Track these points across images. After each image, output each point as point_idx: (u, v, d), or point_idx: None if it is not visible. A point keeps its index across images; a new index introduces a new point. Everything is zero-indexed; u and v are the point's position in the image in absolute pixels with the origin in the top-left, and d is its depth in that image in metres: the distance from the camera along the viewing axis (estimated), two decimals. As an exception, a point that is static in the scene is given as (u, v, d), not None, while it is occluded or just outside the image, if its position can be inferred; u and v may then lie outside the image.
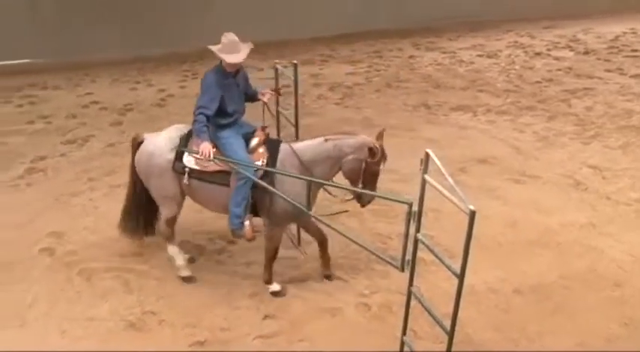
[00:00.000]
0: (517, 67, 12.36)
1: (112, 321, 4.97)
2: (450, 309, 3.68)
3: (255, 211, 5.20)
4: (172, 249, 5.50)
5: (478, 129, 9.09)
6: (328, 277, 5.55)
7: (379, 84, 11.43)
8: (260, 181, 4.94)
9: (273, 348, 4.72)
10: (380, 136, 5.11)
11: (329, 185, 5.06)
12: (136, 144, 5.33)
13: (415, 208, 3.85)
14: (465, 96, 10.61)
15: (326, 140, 5.07)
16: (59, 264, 5.70)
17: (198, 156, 4.92)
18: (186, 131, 5.21)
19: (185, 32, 13.36)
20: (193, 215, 6.16)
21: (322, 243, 5.50)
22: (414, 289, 4.13)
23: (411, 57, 13.29)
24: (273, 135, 6.26)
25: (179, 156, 5.09)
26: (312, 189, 4.97)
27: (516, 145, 8.44)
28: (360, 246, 4.67)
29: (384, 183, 7.23)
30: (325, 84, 11.42)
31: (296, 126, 5.66)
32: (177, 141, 5.14)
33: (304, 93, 10.13)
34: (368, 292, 5.34)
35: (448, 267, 3.60)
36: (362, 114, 9.76)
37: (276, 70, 5.85)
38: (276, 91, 5.58)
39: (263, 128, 5.25)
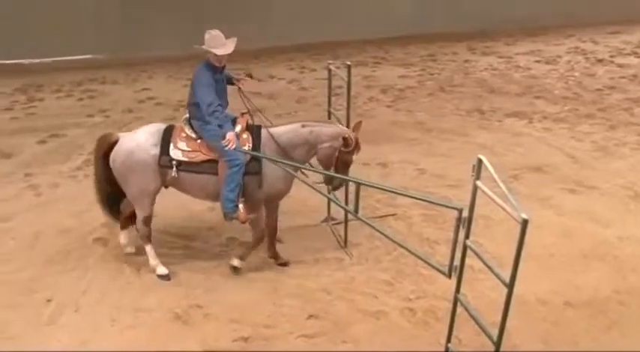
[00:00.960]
0: (577, 73, 12.01)
1: (160, 312, 5.08)
2: (497, 319, 3.61)
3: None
4: (149, 249, 5.55)
5: (533, 136, 8.87)
6: (284, 264, 5.71)
7: (432, 87, 11.30)
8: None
9: (316, 348, 4.73)
10: (356, 128, 5.35)
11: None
12: (108, 144, 5.36)
13: (465, 214, 3.78)
14: (521, 102, 10.38)
15: (303, 126, 5.30)
16: (111, 254, 5.87)
17: (224, 143, 5.01)
18: (163, 127, 5.33)
19: (240, 31, 13.53)
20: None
21: (274, 231, 5.67)
22: (460, 296, 4.06)
23: (466, 61, 13.09)
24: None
25: (164, 151, 5.19)
26: (287, 177, 5.30)
27: (573, 154, 8.19)
28: (407, 250, 4.62)
29: (434, 187, 7.22)
30: (377, 86, 11.37)
31: (347, 127, 5.65)
32: (159, 136, 5.24)
33: (356, 94, 10.10)
34: (414, 297, 5.29)
35: (497, 276, 3.52)
36: (414, 118, 9.67)
37: (330, 70, 5.86)
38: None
39: (243, 114, 5.39)
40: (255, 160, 5.19)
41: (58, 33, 12.53)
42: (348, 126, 5.66)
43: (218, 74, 5.25)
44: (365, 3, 14.55)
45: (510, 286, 3.42)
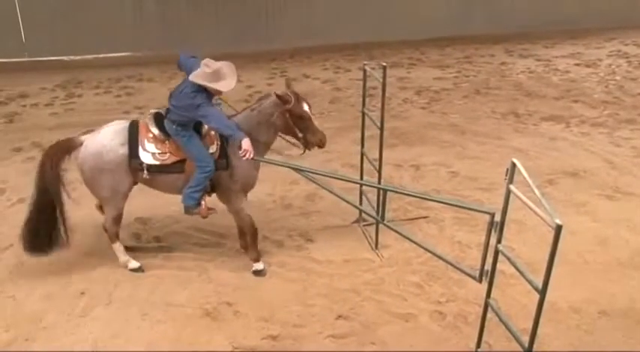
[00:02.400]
0: (618, 77, 11.73)
1: (190, 308, 5.14)
2: (528, 325, 3.55)
3: (212, 188, 5.38)
4: (117, 247, 5.56)
5: (570, 140, 8.69)
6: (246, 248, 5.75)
7: (467, 90, 11.18)
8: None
9: (344, 349, 4.72)
10: (287, 84, 5.36)
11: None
12: (71, 147, 5.28)
13: (497, 218, 3.73)
14: (558, 106, 10.19)
15: (252, 110, 5.32)
16: (144, 249, 5.96)
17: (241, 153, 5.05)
18: (127, 124, 5.28)
19: (276, 30, 13.66)
20: (276, 212, 6.28)
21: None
22: (491, 301, 4.02)
23: (502, 63, 12.92)
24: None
25: (133, 153, 5.16)
26: (257, 165, 5.34)
27: (611, 159, 8.00)
28: (435, 255, 4.59)
29: (466, 190, 7.14)
30: (412, 87, 11.31)
31: (381, 128, 5.63)
32: (124, 134, 5.20)
33: (390, 95, 10.08)
34: (444, 300, 5.23)
35: (529, 282, 3.47)
36: (448, 120, 9.58)
37: (365, 71, 5.84)
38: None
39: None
40: (222, 157, 5.22)
41: (98, 30, 12.85)
42: (382, 128, 5.63)
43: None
44: (402, 4, 14.49)
45: (542, 292, 3.37)
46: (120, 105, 10.38)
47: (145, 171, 5.19)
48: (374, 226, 6.00)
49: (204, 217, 5.45)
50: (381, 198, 5.49)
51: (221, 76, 4.94)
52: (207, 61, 4.94)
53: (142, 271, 5.58)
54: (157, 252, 5.88)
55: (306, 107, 5.24)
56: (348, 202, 5.49)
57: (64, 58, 12.90)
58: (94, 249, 5.93)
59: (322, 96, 10.77)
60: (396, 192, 5.07)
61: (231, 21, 13.26)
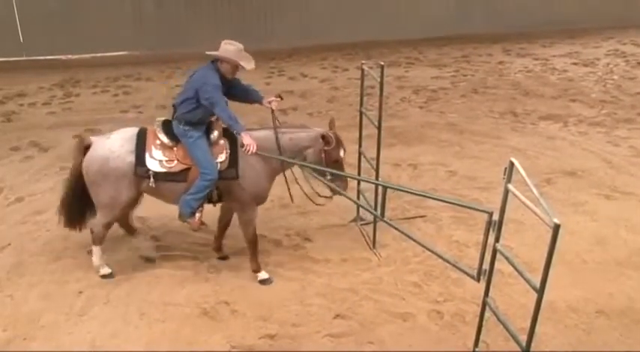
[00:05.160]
0: (616, 76, 11.75)
1: (188, 308, 5.13)
2: (526, 324, 3.55)
3: (219, 197, 5.32)
4: (97, 250, 5.44)
5: (568, 140, 8.70)
6: (224, 258, 5.77)
7: (465, 89, 11.19)
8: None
9: (342, 348, 4.72)
10: (331, 124, 5.35)
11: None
12: (83, 147, 5.23)
13: (495, 218, 3.74)
14: (556, 105, 10.20)
15: (283, 133, 5.26)
16: (142, 248, 5.94)
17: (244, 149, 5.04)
18: (136, 131, 5.22)
19: (274, 30, 13.66)
20: (274, 211, 6.27)
21: (226, 227, 5.71)
22: (489, 300, 4.02)
23: (500, 63, 12.94)
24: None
25: (140, 160, 5.09)
26: (269, 177, 5.32)
27: (609, 159, 8.01)
28: (435, 254, 4.59)
29: (465, 189, 7.15)
30: (410, 87, 11.31)
31: (379, 127, 5.64)
32: (133, 142, 5.13)
33: (388, 95, 10.07)
34: (442, 299, 5.24)
35: (527, 281, 3.47)
36: (446, 119, 9.59)
37: (363, 70, 5.84)
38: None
39: (217, 119, 5.28)
40: (233, 166, 5.14)
41: (96, 30, 12.86)
42: (379, 127, 5.64)
43: (222, 82, 5.11)
44: (400, 3, 14.50)
45: (540, 291, 3.37)
46: (118, 104, 10.36)
47: (152, 179, 5.10)
48: (372, 225, 6.01)
49: (194, 230, 5.45)
50: (380, 195, 5.48)
51: (243, 55, 5.04)
52: (229, 40, 5.03)
53: (113, 277, 5.47)
54: (155, 252, 5.87)
55: (342, 153, 5.26)
56: (348, 198, 5.48)
57: (62, 57, 12.90)
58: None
59: (320, 96, 10.77)
60: (395, 189, 5.06)
61: (229, 20, 13.25)
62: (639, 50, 13.54)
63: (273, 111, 5.34)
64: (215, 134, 5.20)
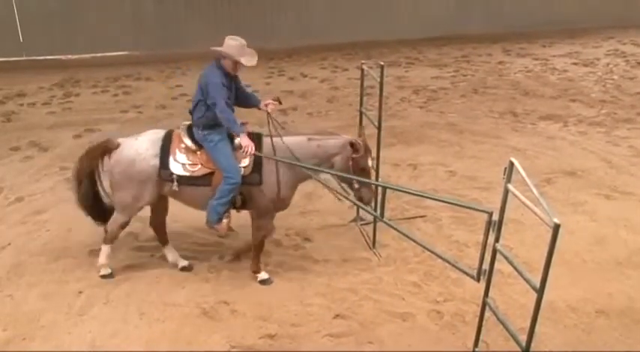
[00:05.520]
0: (616, 76, 11.75)
1: (187, 307, 5.13)
2: (526, 324, 3.55)
3: (243, 203, 5.27)
4: (106, 249, 5.44)
5: (568, 140, 8.71)
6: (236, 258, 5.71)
7: (465, 89, 11.19)
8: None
9: (342, 348, 4.72)
10: (361, 133, 5.34)
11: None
12: (109, 149, 5.22)
13: (495, 218, 3.73)
14: (556, 105, 10.20)
15: (309, 139, 5.21)
16: (142, 248, 5.95)
17: (242, 151, 4.98)
18: (163, 134, 5.21)
19: (274, 30, 13.66)
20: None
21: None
22: (489, 300, 4.02)
23: (500, 63, 12.94)
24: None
25: (164, 164, 5.08)
26: (293, 185, 5.28)
27: (609, 159, 8.01)
28: (435, 254, 4.59)
29: (464, 189, 7.15)
30: (410, 87, 11.32)
31: (379, 127, 5.64)
32: (159, 145, 5.13)
33: (388, 95, 10.07)
34: (441, 299, 5.24)
35: (527, 281, 3.47)
36: (445, 119, 9.59)
37: (362, 70, 5.84)
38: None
39: (243, 123, 5.26)
40: (256, 172, 5.12)
41: (96, 30, 12.87)
42: (379, 127, 5.64)
43: (228, 79, 5.10)
44: (400, 3, 14.51)
45: (540, 291, 3.37)
46: (117, 104, 10.37)
47: (175, 183, 5.09)
48: (371, 225, 6.01)
49: (221, 236, 5.36)
50: (379, 195, 5.48)
51: (245, 51, 4.98)
52: (233, 36, 5.01)
53: (112, 278, 5.46)
54: (155, 251, 5.87)
55: (370, 161, 5.21)
56: (347, 198, 5.48)
57: (62, 57, 12.90)
58: (92, 248, 5.91)
59: (320, 96, 10.78)
60: (395, 189, 5.06)
61: (229, 20, 13.25)
62: (639, 50, 13.54)
63: (269, 114, 5.32)
64: (238, 139, 5.16)
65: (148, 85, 11.45)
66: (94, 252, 5.84)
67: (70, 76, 11.83)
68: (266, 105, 5.35)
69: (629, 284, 5.45)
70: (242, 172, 5.07)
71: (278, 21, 13.86)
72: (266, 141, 5.20)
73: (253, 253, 5.48)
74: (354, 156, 5.12)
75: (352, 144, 5.11)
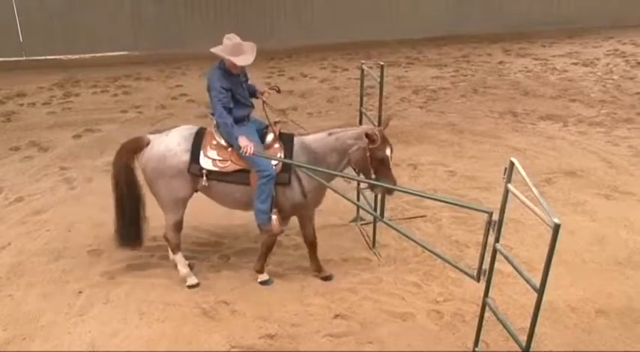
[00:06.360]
0: (615, 76, 11.74)
1: (187, 307, 5.13)
2: (526, 324, 3.55)
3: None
4: (179, 258, 5.43)
5: (567, 140, 8.71)
6: (327, 278, 5.51)
7: (465, 89, 11.19)
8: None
9: (342, 348, 4.72)
10: (385, 123, 5.24)
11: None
12: (139, 146, 5.22)
13: (495, 218, 3.74)
14: (556, 105, 10.20)
15: (329, 134, 5.18)
16: (142, 248, 5.94)
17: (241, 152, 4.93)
18: (195, 130, 5.22)
19: (275, 30, 13.66)
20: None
21: (312, 244, 5.50)
22: (489, 300, 4.02)
23: (500, 63, 12.94)
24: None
25: (194, 158, 5.08)
26: (319, 184, 5.15)
27: (609, 159, 8.01)
28: (435, 254, 4.59)
29: (464, 189, 7.15)
30: (410, 87, 11.32)
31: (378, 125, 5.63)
32: (191, 140, 5.13)
33: (388, 95, 10.08)
34: (441, 299, 5.23)
35: (527, 281, 3.47)
36: (445, 119, 9.59)
37: (362, 70, 5.84)
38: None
39: (276, 123, 5.27)
40: (285, 171, 5.08)
41: (96, 30, 12.88)
42: (379, 126, 5.63)
43: (235, 77, 5.10)
44: (400, 3, 14.52)
45: (540, 291, 3.37)
46: (117, 104, 10.37)
47: (204, 178, 5.08)
48: (371, 225, 6.01)
49: (277, 234, 5.28)
50: (379, 195, 5.48)
51: (241, 51, 4.97)
52: (229, 35, 5.00)
53: (198, 286, 5.38)
54: (155, 251, 5.87)
55: (388, 151, 5.05)
56: (348, 199, 5.47)
57: (62, 57, 12.91)
58: (92, 247, 5.93)
59: (320, 96, 10.78)
60: (395, 189, 5.05)
61: (229, 20, 13.26)
62: (639, 50, 13.54)
63: (264, 102, 5.34)
64: (270, 138, 5.17)
65: (147, 84, 11.46)
66: (94, 252, 5.86)
67: (69, 76, 11.83)
68: (262, 94, 5.37)
69: (629, 284, 5.45)
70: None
71: (278, 21, 13.87)
72: (298, 141, 5.19)
73: (260, 252, 5.46)
74: (370, 146, 4.98)
75: (368, 135, 4.96)
